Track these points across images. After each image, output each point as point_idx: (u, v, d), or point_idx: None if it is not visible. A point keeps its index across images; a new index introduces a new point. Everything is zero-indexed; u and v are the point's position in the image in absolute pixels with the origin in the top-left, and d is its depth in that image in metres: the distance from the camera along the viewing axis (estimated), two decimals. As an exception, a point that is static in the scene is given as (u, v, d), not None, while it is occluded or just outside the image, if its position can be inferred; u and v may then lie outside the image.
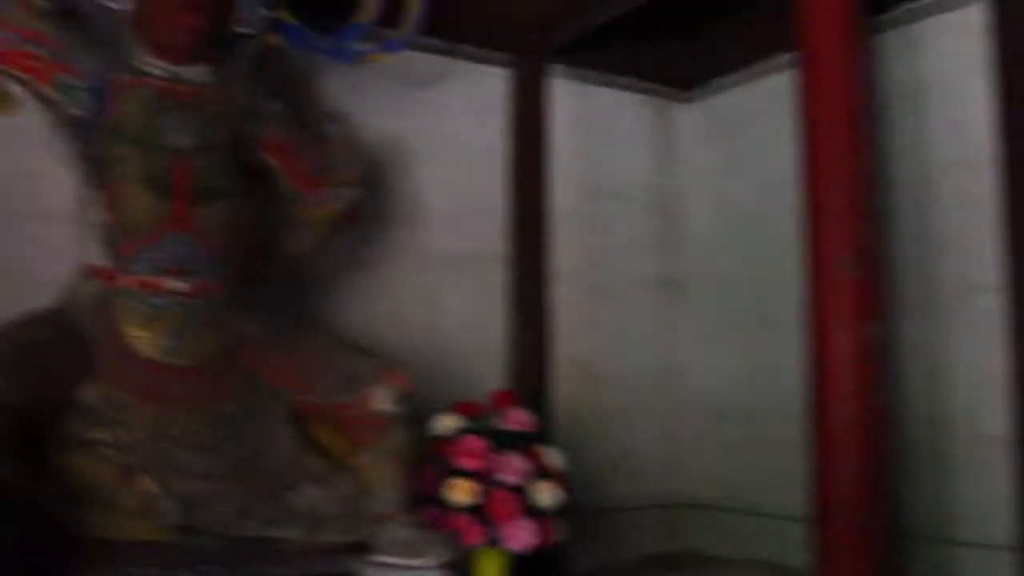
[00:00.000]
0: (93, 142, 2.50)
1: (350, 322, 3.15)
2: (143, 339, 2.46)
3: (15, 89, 2.51)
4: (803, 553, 2.63)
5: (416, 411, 2.55)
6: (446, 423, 2.58)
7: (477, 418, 2.60)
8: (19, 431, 2.15)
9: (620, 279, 3.81)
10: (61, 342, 2.36)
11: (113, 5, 2.57)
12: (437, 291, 3.39)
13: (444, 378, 3.12)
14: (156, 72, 2.56)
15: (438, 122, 3.45)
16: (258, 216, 2.71)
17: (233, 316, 2.60)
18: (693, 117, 4.03)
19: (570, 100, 3.73)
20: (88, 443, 2.32)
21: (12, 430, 2.13)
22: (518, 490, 2.50)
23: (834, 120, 2.61)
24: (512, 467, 2.49)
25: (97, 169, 2.50)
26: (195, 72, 2.61)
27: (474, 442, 2.50)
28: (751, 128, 3.73)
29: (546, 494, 2.53)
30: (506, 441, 2.55)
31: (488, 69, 3.57)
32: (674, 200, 3.98)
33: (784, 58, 3.31)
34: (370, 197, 2.93)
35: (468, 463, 2.48)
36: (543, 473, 2.57)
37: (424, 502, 2.51)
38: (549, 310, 3.55)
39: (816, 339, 2.56)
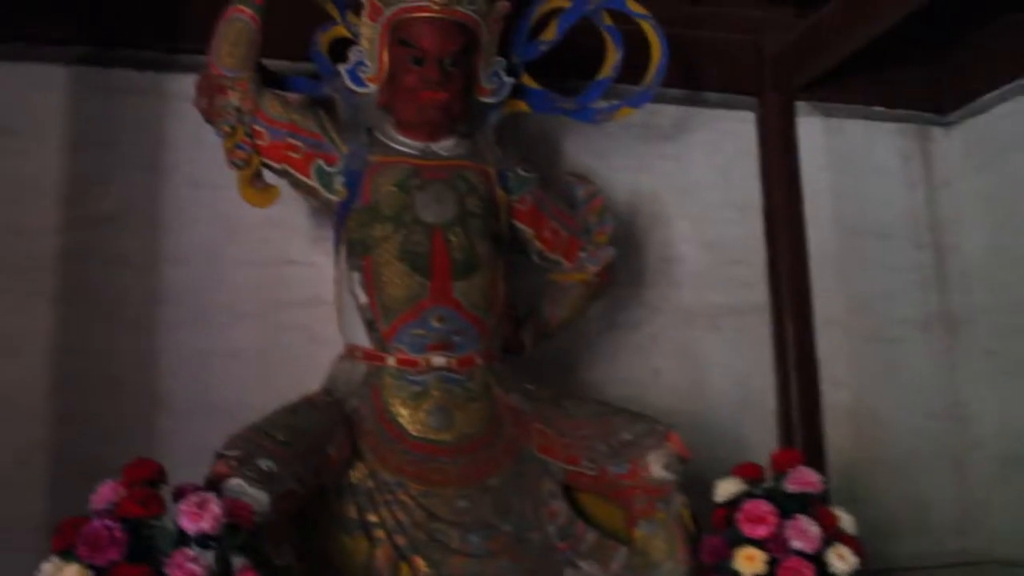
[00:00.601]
0: (351, 224, 2.55)
1: (611, 386, 3.10)
2: (408, 417, 2.45)
3: (274, 181, 2.59)
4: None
5: (689, 476, 2.42)
6: (727, 488, 2.42)
7: (759, 481, 2.43)
8: (294, 517, 2.18)
9: (890, 320, 3.57)
10: (330, 425, 2.36)
11: (360, 89, 2.62)
12: (698, 347, 3.29)
13: (711, 438, 3.01)
14: (408, 150, 2.60)
15: (684, 173, 3.38)
16: (512, 285, 2.67)
17: (495, 388, 2.56)
18: (954, 142, 3.76)
19: (820, 137, 3.58)
20: (359, 525, 2.33)
21: (290, 517, 2.16)
22: (811, 558, 2.31)
23: None
24: (804, 533, 2.30)
25: (356, 250, 2.53)
26: (445, 146, 2.63)
27: (760, 507, 2.33)
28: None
29: (842, 561, 2.33)
30: (793, 504, 2.36)
31: (730, 113, 3.47)
32: (942, 232, 3.71)
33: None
34: (622, 257, 2.84)
35: (755, 530, 2.31)
36: (835, 537, 2.37)
37: (708, 575, 2.36)
38: (816, 358, 3.34)
39: None
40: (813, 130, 3.55)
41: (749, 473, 2.45)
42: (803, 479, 2.41)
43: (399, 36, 2.54)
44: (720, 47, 3.42)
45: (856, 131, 3.66)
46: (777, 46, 3.42)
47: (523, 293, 2.75)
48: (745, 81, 3.44)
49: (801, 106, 3.51)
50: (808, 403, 3.30)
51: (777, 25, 3.45)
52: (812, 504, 2.39)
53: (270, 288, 2.94)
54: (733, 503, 2.39)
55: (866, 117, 3.67)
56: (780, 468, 2.46)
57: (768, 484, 2.43)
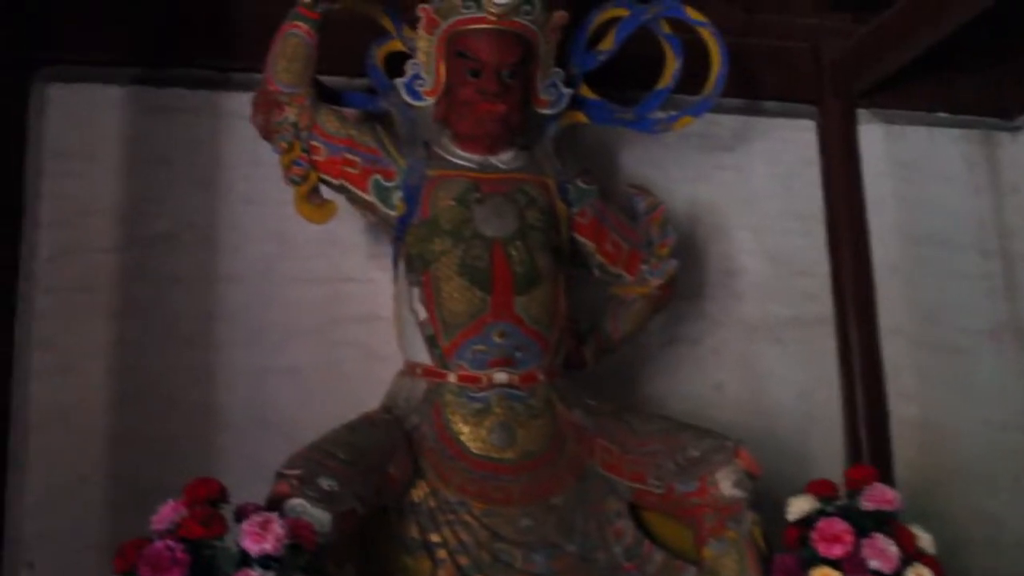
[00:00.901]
0: (409, 239, 2.52)
1: (672, 401, 3.03)
2: (470, 435, 2.41)
3: (331, 197, 2.57)
4: None
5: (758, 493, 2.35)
6: (800, 505, 2.35)
7: (833, 498, 2.36)
8: (356, 536, 2.16)
9: (957, 331, 3.45)
10: (390, 444, 2.33)
11: (417, 103, 2.59)
12: (761, 361, 3.22)
13: (775, 453, 2.88)
14: (466, 163, 2.57)
15: (744, 184, 3.32)
16: (573, 300, 2.63)
17: (558, 404, 2.51)
18: (1021, 147, 3.65)
19: (882, 144, 3.48)
20: (421, 545, 2.30)
21: (352, 537, 2.14)
22: (890, 578, 2.23)
23: None
24: (882, 552, 2.23)
25: (415, 266, 2.50)
26: (504, 159, 2.60)
27: (836, 525, 2.26)
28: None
29: (922, 582, 2.25)
30: (869, 523, 2.29)
31: (790, 122, 3.40)
32: (1010, 239, 3.59)
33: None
34: (682, 269, 2.78)
35: (831, 550, 2.23)
36: (913, 557, 2.29)
37: (781, 595, 2.29)
38: (882, 370, 3.26)
39: None
40: (875, 137, 3.46)
41: (823, 490, 2.38)
42: (879, 496, 2.34)
43: (456, 48, 2.51)
44: (778, 55, 3.35)
45: (919, 137, 3.56)
46: (836, 53, 3.35)
47: (584, 307, 2.71)
48: (804, 89, 3.37)
49: (862, 113, 3.43)
50: (875, 416, 3.21)
51: (835, 32, 3.38)
52: (889, 522, 2.32)
53: (327, 305, 2.92)
54: (807, 521, 2.32)
55: (929, 123, 3.57)
56: (854, 485, 2.39)
57: (842, 501, 2.36)
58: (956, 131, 3.61)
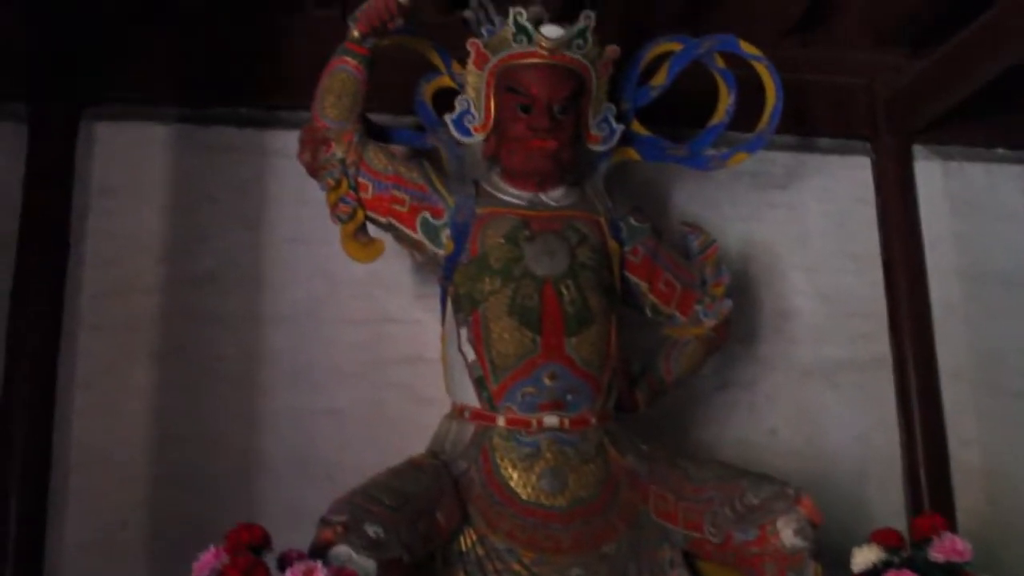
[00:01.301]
0: (458, 279, 2.47)
1: (726, 448, 2.98)
2: (519, 481, 2.34)
3: (378, 235, 2.52)
4: None
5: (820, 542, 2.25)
6: (865, 556, 2.24)
7: (899, 548, 2.25)
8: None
9: (1021, 374, 3.34)
10: (438, 489, 2.26)
11: (466, 139, 2.55)
12: (817, 405, 3.13)
13: (833, 501, 2.79)
14: (516, 201, 2.52)
15: (797, 222, 3.26)
16: (624, 341, 2.55)
17: (610, 449, 2.43)
18: (1086, 183, 3.55)
19: (939, 181, 3.41)
20: (469, 593, 2.21)
21: (398, 585, 2.07)
22: (960, 633, 2.13)
23: None
24: (953, 607, 2.13)
25: (463, 306, 2.44)
26: (555, 196, 2.54)
27: (903, 578, 2.16)
28: None
29: (994, 637, 2.14)
30: (939, 575, 2.19)
31: (844, 159, 3.34)
32: (1078, 278, 3.48)
33: None
34: (734, 311, 2.70)
35: (901, 604, 2.14)
36: (985, 611, 2.19)
37: (847, 650, 2.19)
38: (943, 415, 3.17)
39: None
40: (932, 174, 3.39)
41: (888, 540, 2.27)
42: (950, 547, 2.23)
43: (506, 83, 2.47)
44: (831, 91, 3.30)
45: (977, 174, 3.47)
46: (891, 89, 3.30)
47: (635, 349, 2.64)
48: (859, 125, 3.32)
49: (918, 150, 3.38)
50: (935, 463, 3.12)
51: (889, 67, 3.33)
52: (959, 574, 2.21)
53: (372, 346, 2.89)
54: (872, 573, 2.22)
55: (987, 159, 3.49)
56: (922, 534, 2.28)
57: (909, 552, 2.26)
58: (1016, 167, 3.52)
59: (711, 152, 2.77)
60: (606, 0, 2.55)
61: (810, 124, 3.24)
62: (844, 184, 3.32)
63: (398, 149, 2.59)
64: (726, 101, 2.73)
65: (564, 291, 2.40)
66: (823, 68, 3.31)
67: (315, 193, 2.54)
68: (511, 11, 2.44)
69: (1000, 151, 3.50)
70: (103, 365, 2.74)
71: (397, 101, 2.76)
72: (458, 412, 2.46)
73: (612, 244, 2.56)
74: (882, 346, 3.21)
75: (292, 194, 2.87)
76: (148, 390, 2.75)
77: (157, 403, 2.74)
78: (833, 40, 3.33)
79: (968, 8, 2.90)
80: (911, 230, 3.27)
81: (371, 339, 2.89)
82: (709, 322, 2.60)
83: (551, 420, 2.36)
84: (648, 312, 2.66)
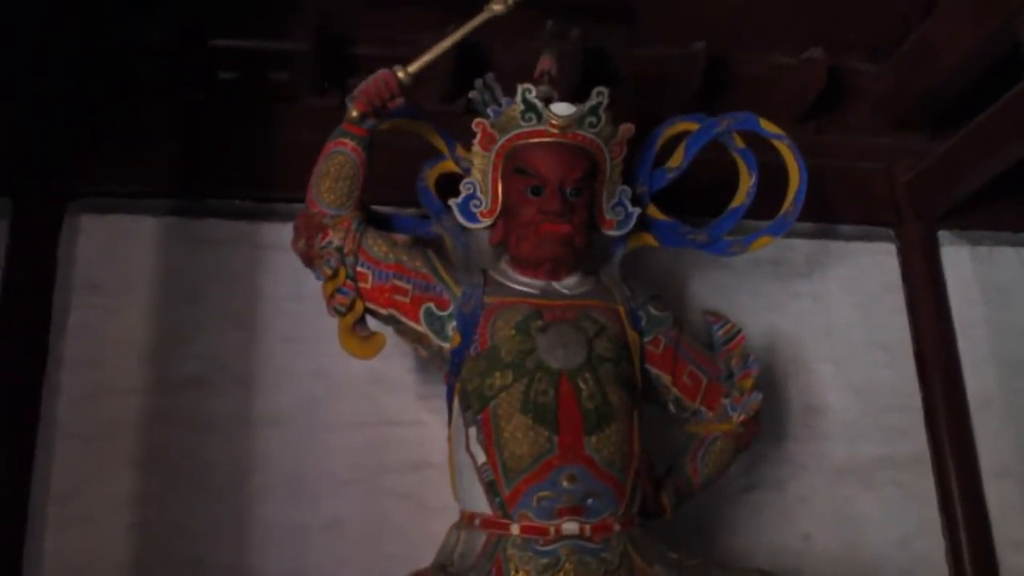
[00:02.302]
0: (466, 374, 2.29)
1: (757, 554, 2.77)
2: (538, 594, 2.13)
3: (379, 328, 2.36)
4: None
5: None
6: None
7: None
8: None
9: (1069, 468, 3.17)
10: (447, 604, 2.06)
11: (472, 225, 2.42)
12: (853, 507, 2.95)
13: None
14: (527, 289, 2.36)
15: (823, 313, 3.13)
16: (647, 439, 2.35)
17: (635, 558, 2.20)
18: (1117, 267, 3.42)
19: (968, 267, 3.30)
20: None
21: None
22: None
23: None
24: None
25: (472, 403, 2.26)
26: (568, 284, 2.39)
27: None
28: None
29: None
30: None
31: (868, 246, 3.24)
32: (1120, 366, 3.33)
33: None
34: (763, 407, 2.52)
35: None
36: None
37: None
38: (988, 515, 2.98)
39: None
40: (960, 260, 3.28)
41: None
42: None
43: (515, 164, 2.35)
44: (851, 176, 3.20)
45: (1007, 259, 3.36)
46: (912, 173, 3.20)
47: (658, 448, 2.43)
48: (881, 211, 3.22)
49: (944, 235, 3.27)
50: (984, 567, 2.92)
51: (909, 151, 3.24)
52: None
53: (372, 451, 2.73)
54: None
55: (1017, 243, 3.38)
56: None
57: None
58: (1045, 251, 3.41)
59: (731, 237, 2.62)
60: (615, 86, 2.42)
61: (830, 211, 3.13)
62: (869, 272, 3.20)
63: (400, 237, 2.44)
64: (747, 182, 2.60)
65: (582, 386, 2.21)
66: (840, 153, 3.22)
67: (310, 288, 2.40)
68: (520, 88, 2.33)
69: (1026, 235, 3.39)
70: (80, 475, 2.57)
71: (398, 192, 2.62)
72: (467, 520, 2.25)
73: (632, 335, 2.39)
74: (919, 442, 3.05)
75: (286, 290, 2.77)
76: (128, 502, 2.58)
77: (138, 517, 2.57)
78: (849, 125, 3.26)
79: (987, 89, 2.81)
80: (942, 318, 3.14)
81: (371, 443, 2.73)
82: (738, 417, 2.42)
83: (570, 527, 2.14)
84: (671, 408, 2.48)
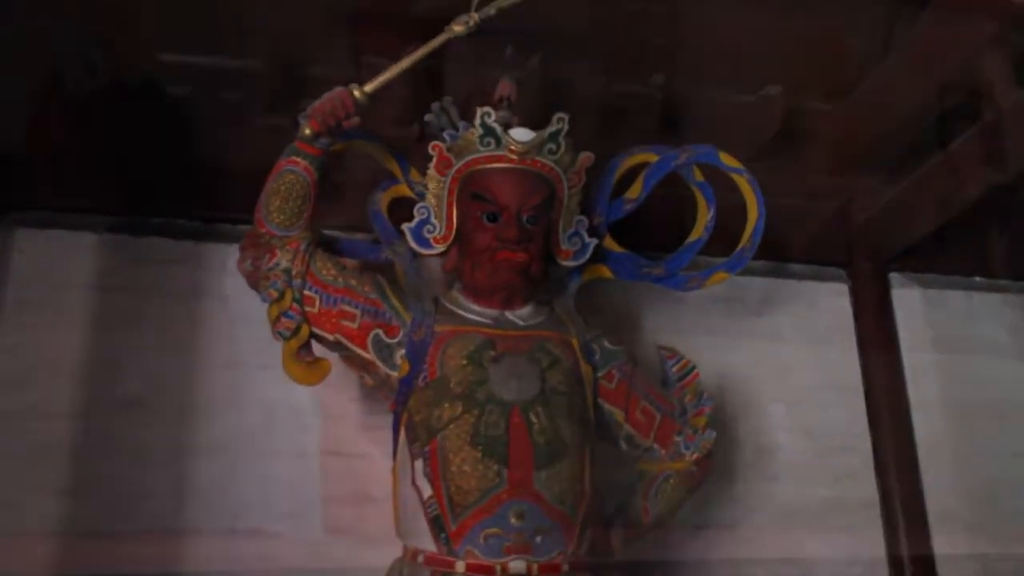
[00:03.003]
0: (413, 404, 2.20)
1: None
2: (485, 637, 2.04)
3: (324, 355, 2.27)
4: None
5: None
6: None
7: None
8: None
9: (1018, 516, 3.14)
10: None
11: (425, 251, 2.35)
12: (803, 549, 2.91)
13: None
14: (480, 319, 2.29)
15: (775, 352, 3.10)
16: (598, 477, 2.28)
17: (584, 601, 2.14)
18: (1073, 311, 3.46)
19: (919, 309, 3.31)
20: None
21: None
22: None
23: None
24: None
25: (419, 435, 2.17)
26: (522, 314, 2.32)
27: None
28: None
29: None
30: None
31: (821, 286, 3.24)
32: (1073, 413, 3.35)
33: None
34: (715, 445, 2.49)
35: None
36: None
37: None
38: (934, 563, 2.96)
39: None
40: (911, 303, 3.29)
41: None
42: None
43: (471, 190, 2.28)
44: (804, 215, 3.17)
45: (958, 302, 3.39)
46: (865, 214, 3.19)
47: (608, 487, 2.37)
48: (833, 251, 3.24)
49: (895, 277, 3.29)
50: (932, 615, 2.89)
51: (863, 192, 3.20)
52: None
53: (313, 483, 2.64)
54: None
55: (969, 288, 3.41)
56: None
57: None
58: (997, 296, 3.44)
59: (687, 272, 2.58)
60: (573, 116, 2.37)
61: (784, 249, 3.12)
62: (822, 312, 3.20)
63: (349, 261, 2.37)
64: (705, 216, 2.57)
65: (534, 419, 2.14)
66: (794, 193, 3.16)
67: (255, 312, 2.29)
68: (478, 111, 2.27)
69: (978, 279, 3.41)
70: (6, 500, 2.44)
71: (348, 215, 2.57)
72: (411, 556, 2.16)
73: (585, 368, 2.32)
74: (869, 485, 3.03)
75: (229, 313, 2.68)
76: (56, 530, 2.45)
77: (66, 545, 2.44)
78: (804, 164, 3.20)
79: (941, 133, 2.83)
80: (892, 360, 3.15)
81: (312, 475, 2.65)
82: (691, 455, 2.36)
83: (518, 566, 2.06)
84: (622, 444, 2.41)
